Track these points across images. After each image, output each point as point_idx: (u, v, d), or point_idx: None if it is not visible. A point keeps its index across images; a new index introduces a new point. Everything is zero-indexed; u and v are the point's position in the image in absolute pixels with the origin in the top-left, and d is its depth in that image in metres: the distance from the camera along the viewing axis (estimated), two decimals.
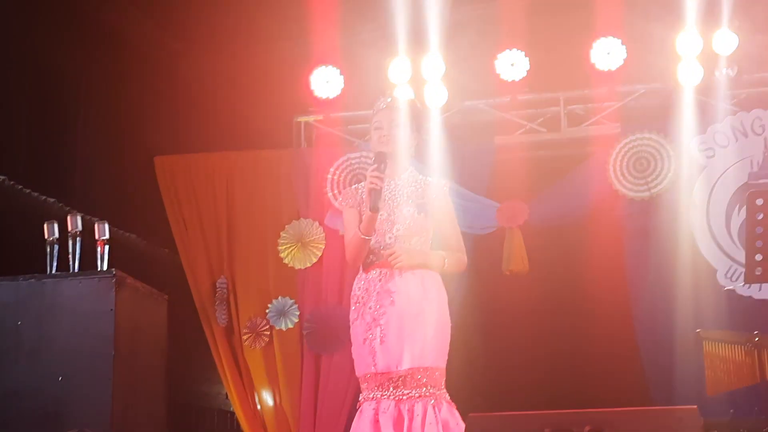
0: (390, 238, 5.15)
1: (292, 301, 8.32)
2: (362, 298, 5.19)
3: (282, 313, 8.28)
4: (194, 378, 9.60)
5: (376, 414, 5.05)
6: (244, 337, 8.29)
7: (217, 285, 8.36)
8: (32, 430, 5.48)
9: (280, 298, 8.31)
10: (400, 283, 5.13)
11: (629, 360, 7.95)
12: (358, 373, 5.18)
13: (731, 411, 6.93)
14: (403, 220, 5.21)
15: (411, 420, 5.01)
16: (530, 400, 7.43)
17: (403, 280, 5.13)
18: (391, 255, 5.07)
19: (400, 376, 5.06)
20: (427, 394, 5.04)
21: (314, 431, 8.19)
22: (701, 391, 7.12)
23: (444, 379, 5.13)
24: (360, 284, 5.22)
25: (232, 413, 9.31)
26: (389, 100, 5.38)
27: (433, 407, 5.03)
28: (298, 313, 8.29)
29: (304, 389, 8.24)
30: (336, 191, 8.20)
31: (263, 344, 8.27)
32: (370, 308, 5.15)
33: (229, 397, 8.67)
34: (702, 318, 7.62)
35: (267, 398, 8.30)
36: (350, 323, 5.24)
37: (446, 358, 5.16)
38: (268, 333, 8.27)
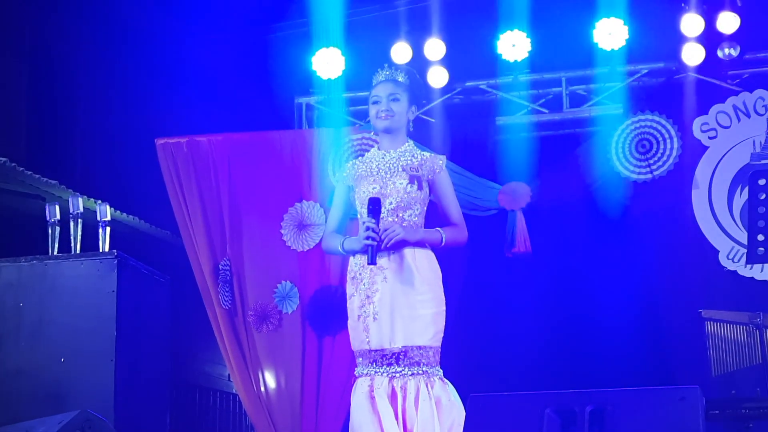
0: (383, 212, 5.14)
1: (292, 284, 8.31)
2: (358, 273, 5.20)
3: (284, 297, 8.29)
4: (197, 359, 9.63)
5: (372, 390, 5.06)
6: (251, 320, 8.28)
7: (220, 267, 8.34)
8: (34, 411, 5.49)
9: (283, 282, 8.30)
10: (393, 261, 5.13)
11: (631, 340, 7.96)
12: (353, 347, 5.21)
13: (733, 391, 6.94)
14: (396, 193, 5.20)
15: (404, 397, 5.02)
16: (532, 380, 7.45)
17: (396, 257, 5.13)
18: (386, 231, 5.06)
19: (393, 354, 5.07)
20: (420, 372, 5.05)
21: (317, 413, 8.19)
22: (703, 371, 7.13)
23: (438, 357, 5.14)
24: (356, 260, 5.23)
25: (235, 395, 9.33)
26: (387, 73, 5.37)
27: (426, 385, 5.04)
28: (298, 295, 8.28)
29: (306, 371, 8.24)
30: None
31: (271, 327, 8.27)
32: (363, 284, 5.15)
33: (231, 378, 8.67)
34: (704, 299, 7.64)
35: (270, 380, 8.29)
36: (347, 298, 5.25)
37: (441, 336, 5.16)
38: (277, 317, 8.26)
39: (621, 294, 8.07)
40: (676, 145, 8.01)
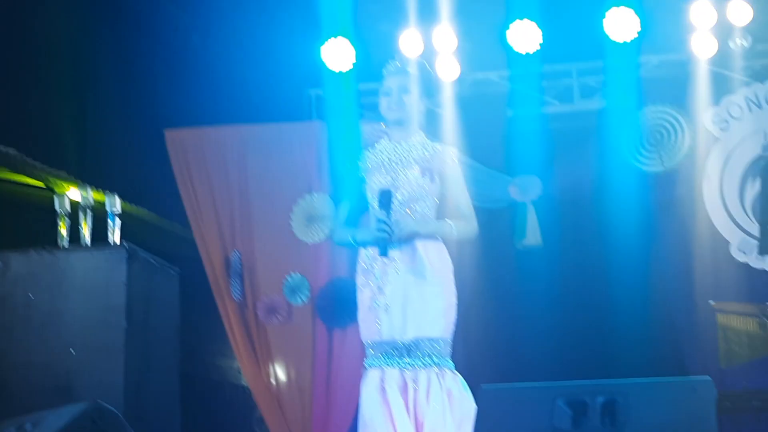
0: (394, 203, 5.13)
1: (302, 276, 8.30)
2: (369, 265, 5.18)
3: (294, 289, 8.28)
4: (207, 351, 9.63)
5: (382, 382, 5.05)
6: (260, 313, 8.28)
7: (231, 259, 8.34)
8: (44, 402, 5.48)
9: (293, 274, 8.30)
10: (405, 253, 5.12)
11: (642, 332, 7.94)
12: (364, 339, 5.19)
13: (744, 383, 6.93)
14: (408, 184, 5.19)
15: (416, 389, 5.01)
16: (543, 371, 7.43)
17: (407, 249, 5.12)
18: (397, 223, 5.06)
19: (404, 346, 5.06)
20: (432, 364, 5.04)
21: (327, 405, 8.19)
22: (714, 363, 7.12)
23: (449, 349, 5.13)
24: (367, 251, 5.21)
25: (244, 387, 9.32)
26: (398, 64, 5.35)
27: (438, 376, 5.04)
28: (308, 287, 8.27)
29: (316, 364, 8.24)
30: None
31: (280, 320, 8.26)
32: (375, 276, 5.14)
33: (242, 371, 8.67)
34: (715, 290, 7.63)
35: (280, 372, 8.30)
36: (358, 290, 5.24)
37: (452, 328, 5.15)
38: (285, 309, 8.26)
39: (631, 286, 8.04)
40: (687, 137, 7.98)
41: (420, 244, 5.13)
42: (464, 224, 5.24)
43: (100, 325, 5.86)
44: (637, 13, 7.91)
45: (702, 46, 7.97)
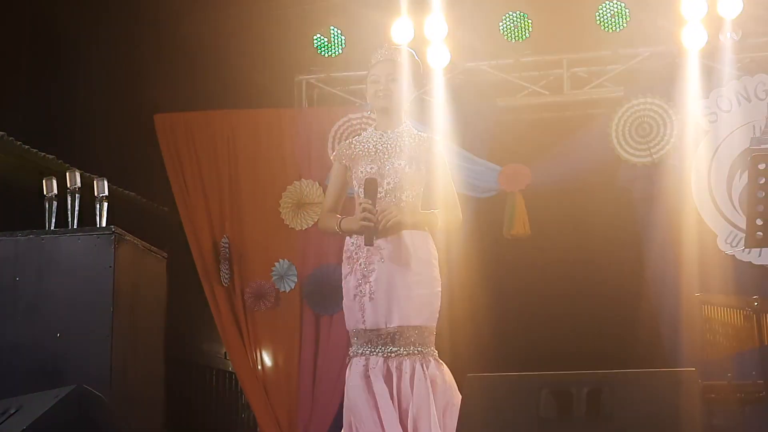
0: (380, 192, 5.13)
1: (289, 262, 8.31)
2: (354, 253, 5.19)
3: (282, 275, 8.28)
4: (194, 337, 9.63)
5: (366, 370, 5.07)
6: (248, 298, 8.28)
7: (220, 244, 8.33)
8: (30, 386, 5.46)
9: (281, 260, 8.30)
10: (390, 241, 5.12)
11: (629, 323, 7.96)
12: (348, 327, 5.21)
13: (729, 375, 6.93)
14: (394, 174, 5.19)
15: (399, 377, 5.03)
16: (529, 361, 7.44)
17: (393, 237, 5.12)
18: (383, 212, 5.06)
19: (389, 334, 5.07)
20: (416, 352, 5.06)
21: (313, 392, 8.20)
22: (700, 355, 7.11)
23: (433, 337, 5.14)
24: (353, 239, 5.22)
25: (231, 373, 9.34)
26: (386, 52, 5.34)
27: (421, 364, 5.05)
28: (296, 274, 8.28)
29: (303, 350, 8.25)
30: None
31: (268, 306, 8.27)
32: (360, 264, 5.15)
33: (228, 356, 8.67)
34: (702, 283, 7.62)
35: (267, 358, 8.30)
36: (343, 277, 5.24)
37: (437, 317, 5.17)
38: (273, 295, 8.26)
39: (618, 277, 8.07)
40: (675, 129, 7.99)
41: (405, 233, 5.14)
42: (449, 213, 5.26)
43: (86, 309, 5.83)
44: (627, 4, 7.92)
45: (692, 39, 7.97)
